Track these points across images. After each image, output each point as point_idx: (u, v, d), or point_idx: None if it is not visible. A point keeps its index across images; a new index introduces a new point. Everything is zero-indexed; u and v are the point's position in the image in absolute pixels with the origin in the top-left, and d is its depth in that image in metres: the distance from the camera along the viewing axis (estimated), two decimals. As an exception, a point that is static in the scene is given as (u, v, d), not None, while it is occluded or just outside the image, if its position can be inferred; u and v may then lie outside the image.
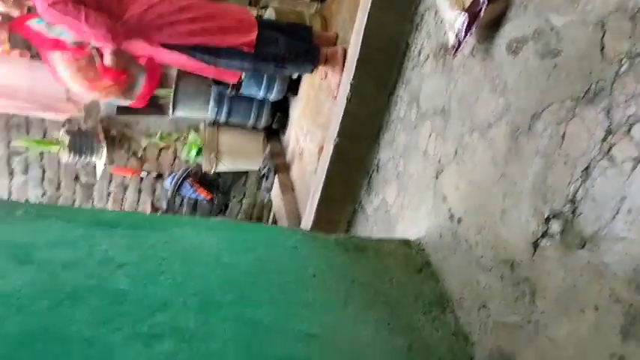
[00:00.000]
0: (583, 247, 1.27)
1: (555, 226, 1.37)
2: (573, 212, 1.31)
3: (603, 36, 1.32)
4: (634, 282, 1.12)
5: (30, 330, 1.29)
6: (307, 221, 3.04)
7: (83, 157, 4.49)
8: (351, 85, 2.59)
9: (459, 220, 1.84)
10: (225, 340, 1.44)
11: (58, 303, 1.39)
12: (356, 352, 1.53)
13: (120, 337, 1.35)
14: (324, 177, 2.83)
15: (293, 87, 4.07)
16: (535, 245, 1.43)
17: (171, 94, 4.10)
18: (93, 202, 4.90)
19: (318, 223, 2.93)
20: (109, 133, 4.63)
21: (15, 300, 1.35)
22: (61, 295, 1.41)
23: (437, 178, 2.04)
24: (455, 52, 1.80)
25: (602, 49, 1.31)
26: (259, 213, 5.17)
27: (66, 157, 4.45)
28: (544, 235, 1.40)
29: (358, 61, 2.56)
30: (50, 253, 1.53)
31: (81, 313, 1.38)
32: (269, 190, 4.08)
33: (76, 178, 4.84)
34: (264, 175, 4.21)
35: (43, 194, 4.80)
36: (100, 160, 4.57)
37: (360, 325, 1.63)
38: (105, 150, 4.51)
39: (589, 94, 1.33)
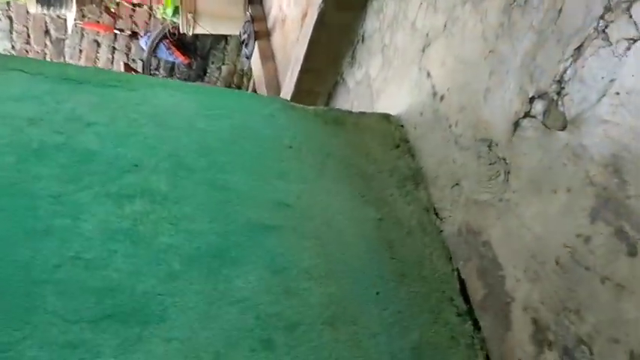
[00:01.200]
0: (564, 128, 1.25)
1: (539, 107, 1.33)
2: (559, 93, 1.27)
3: None
4: (611, 165, 1.11)
5: (-5, 184, 1.26)
6: (287, 91, 2.96)
7: (52, 9, 4.21)
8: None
9: (442, 98, 1.79)
10: (198, 204, 1.44)
11: (24, 159, 1.35)
12: (327, 221, 1.55)
13: (89, 195, 1.34)
14: (306, 45, 2.71)
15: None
16: (516, 125, 1.41)
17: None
18: (64, 58, 4.69)
19: (298, 93, 2.86)
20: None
21: (-23, 153, 1.30)
22: (27, 151, 1.37)
23: (423, 52, 1.96)
24: None
25: None
26: (238, 81, 5.03)
27: (34, 7, 4.17)
28: (526, 115, 1.37)
29: None
30: (14, 106, 1.46)
31: (48, 169, 1.35)
32: (249, 57, 3.93)
33: (47, 32, 4.59)
34: (244, 41, 4.03)
35: (12, 47, 4.57)
36: (70, 14, 4.31)
37: (334, 195, 1.64)
38: (74, 2, 4.23)
39: (594, -34, 1.23)
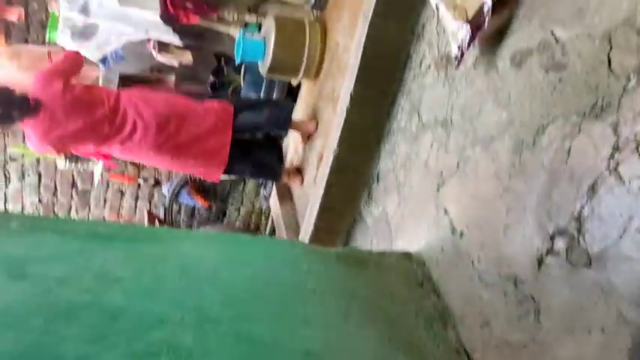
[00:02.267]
0: (589, 265, 1.24)
1: (560, 244, 1.34)
2: (579, 230, 1.29)
3: (610, 50, 1.29)
4: (643, 304, 1.09)
5: (23, 348, 1.25)
6: (306, 231, 3.01)
7: (80, 164, 4.45)
8: (351, 94, 2.57)
9: (461, 234, 1.81)
10: (224, 358, 1.41)
11: (52, 319, 1.35)
12: (356, 370, 1.49)
13: (115, 355, 1.32)
14: (323, 186, 2.80)
15: (292, 94, 4.06)
16: (540, 262, 1.41)
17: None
18: (89, 209, 4.86)
19: (317, 233, 2.90)
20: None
21: (7, 316, 1.31)
22: (56, 312, 1.38)
23: (438, 190, 2.02)
24: (458, 63, 1.78)
25: (609, 63, 1.29)
26: (257, 221, 5.13)
27: (62, 163, 4.41)
28: (549, 252, 1.38)
29: (358, 69, 2.53)
30: (45, 267, 1.49)
31: (75, 329, 1.34)
32: (267, 198, 4.05)
33: (73, 184, 4.81)
34: (262, 182, 4.18)
35: (39, 201, 4.77)
36: (97, 167, 4.54)
37: (361, 341, 1.60)
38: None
39: (595, 109, 1.31)
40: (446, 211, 1.94)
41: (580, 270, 1.27)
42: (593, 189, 1.26)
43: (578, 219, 1.29)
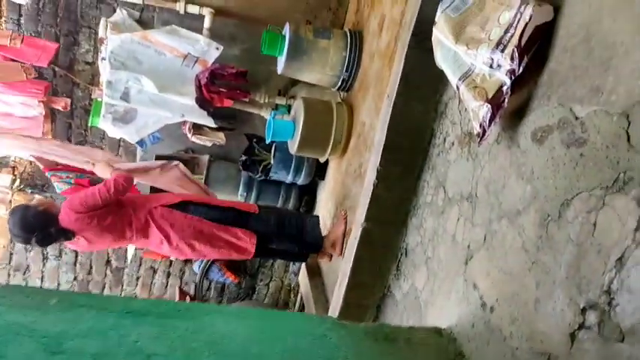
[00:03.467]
0: (622, 340, 1.23)
1: (592, 318, 1.33)
2: (609, 303, 1.28)
3: (629, 126, 1.33)
4: (679, 380, 1.07)
5: None
6: (335, 306, 3.00)
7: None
8: (377, 170, 2.64)
9: (492, 309, 1.80)
10: None
11: (87, 395, 1.38)
12: None
13: None
14: (352, 261, 2.81)
15: (320, 171, 4.16)
16: (572, 337, 1.39)
17: (202, 180, 4.21)
18: (122, 286, 4.93)
19: (347, 307, 2.89)
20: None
21: (45, 392, 1.35)
22: (90, 388, 1.40)
23: (467, 264, 2.02)
24: (480, 140, 1.83)
25: (629, 138, 1.33)
26: (286, 296, 5.11)
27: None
28: (581, 326, 1.36)
29: (384, 147, 2.61)
30: (81, 343, 1.53)
31: (109, 406, 1.36)
32: (296, 273, 4.06)
33: (108, 262, 4.91)
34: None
35: (75, 278, 4.86)
36: (131, 245, 4.64)
37: (393, 420, 1.57)
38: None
39: (618, 182, 1.33)
40: (475, 286, 1.93)
41: (613, 344, 1.25)
42: (620, 261, 1.26)
43: (608, 292, 1.29)
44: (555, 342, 1.45)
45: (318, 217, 3.58)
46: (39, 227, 2.92)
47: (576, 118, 1.53)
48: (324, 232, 3.48)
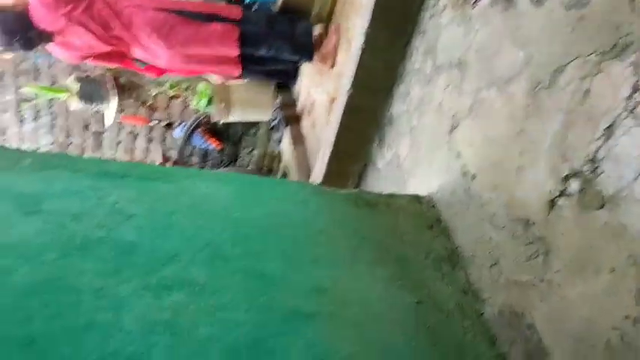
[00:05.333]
0: (602, 207, 1.24)
1: (574, 186, 1.33)
2: (593, 171, 1.27)
3: (635, -14, 1.24)
4: (654, 245, 1.08)
5: (39, 281, 1.29)
6: (318, 174, 3.01)
7: (93, 105, 4.45)
8: (365, 34, 2.51)
9: (473, 177, 1.80)
10: (235, 293, 1.44)
11: (67, 254, 1.38)
12: (365, 307, 1.52)
13: (129, 288, 1.35)
14: (335, 129, 2.78)
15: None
16: (551, 204, 1.40)
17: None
18: (103, 150, 4.89)
19: (329, 176, 2.91)
20: (119, 81, 4.58)
21: (23, 250, 1.34)
22: (70, 246, 1.41)
23: (451, 133, 1.99)
24: (475, 2, 1.72)
25: (632, 0, 1.24)
26: (269, 164, 5.15)
27: (75, 104, 4.41)
28: (561, 194, 1.37)
29: (373, 9, 2.46)
30: (58, 203, 1.52)
31: (90, 264, 1.38)
32: (279, 141, 4.04)
33: (86, 126, 4.82)
34: (274, 126, 4.16)
35: (53, 142, 4.80)
36: (109, 109, 4.54)
37: (369, 281, 1.62)
38: (115, 98, 4.47)
39: (616, 48, 1.26)
40: (458, 155, 1.92)
41: (592, 212, 1.26)
42: (609, 130, 1.23)
43: (593, 160, 1.27)
44: (534, 209, 1.46)
45: (311, 24, 3.47)
46: (20, 31, 2.87)
47: (580, -23, 1.42)
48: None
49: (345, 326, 1.46)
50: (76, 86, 4.35)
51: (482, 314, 1.62)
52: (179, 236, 1.54)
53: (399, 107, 2.54)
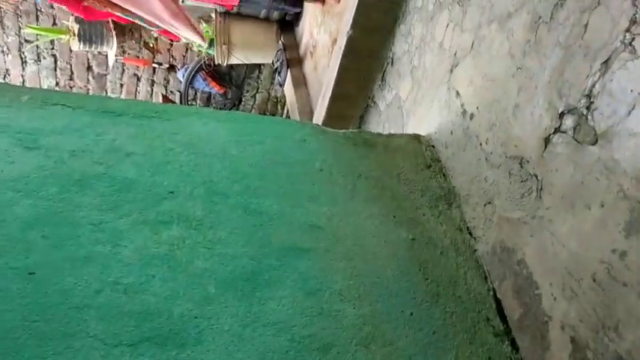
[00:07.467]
0: (595, 143, 1.23)
1: (569, 122, 1.32)
2: (588, 107, 1.26)
3: None
4: (643, 179, 1.09)
5: (39, 214, 1.32)
6: (319, 116, 3.01)
7: (94, 47, 4.41)
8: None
9: (471, 116, 1.79)
10: (232, 228, 1.47)
11: (66, 189, 1.41)
12: (360, 242, 1.55)
13: (128, 222, 1.38)
14: (336, 70, 2.75)
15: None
16: (546, 141, 1.40)
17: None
18: (106, 92, 4.87)
19: (330, 117, 2.90)
20: (119, 22, 4.51)
21: (24, 185, 1.37)
22: (69, 182, 1.43)
23: (451, 72, 1.97)
24: None
25: None
26: (272, 107, 5.12)
27: (76, 45, 4.37)
28: (556, 130, 1.36)
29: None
30: (57, 139, 1.53)
31: (89, 198, 1.40)
32: (282, 84, 4.01)
33: (89, 68, 4.79)
34: (277, 69, 4.12)
35: (57, 84, 4.78)
36: (111, 50, 4.49)
37: (365, 217, 1.65)
38: (115, 39, 4.41)
39: (618, -21, 1.23)
40: (457, 94, 1.91)
41: (585, 147, 1.26)
42: (606, 64, 1.22)
43: (589, 96, 1.26)
44: (529, 146, 1.47)
45: None
46: None
47: None
48: None
49: (340, 261, 1.49)
50: (75, 27, 4.29)
51: (475, 251, 1.65)
52: (177, 173, 1.56)
53: (400, 47, 2.51)
